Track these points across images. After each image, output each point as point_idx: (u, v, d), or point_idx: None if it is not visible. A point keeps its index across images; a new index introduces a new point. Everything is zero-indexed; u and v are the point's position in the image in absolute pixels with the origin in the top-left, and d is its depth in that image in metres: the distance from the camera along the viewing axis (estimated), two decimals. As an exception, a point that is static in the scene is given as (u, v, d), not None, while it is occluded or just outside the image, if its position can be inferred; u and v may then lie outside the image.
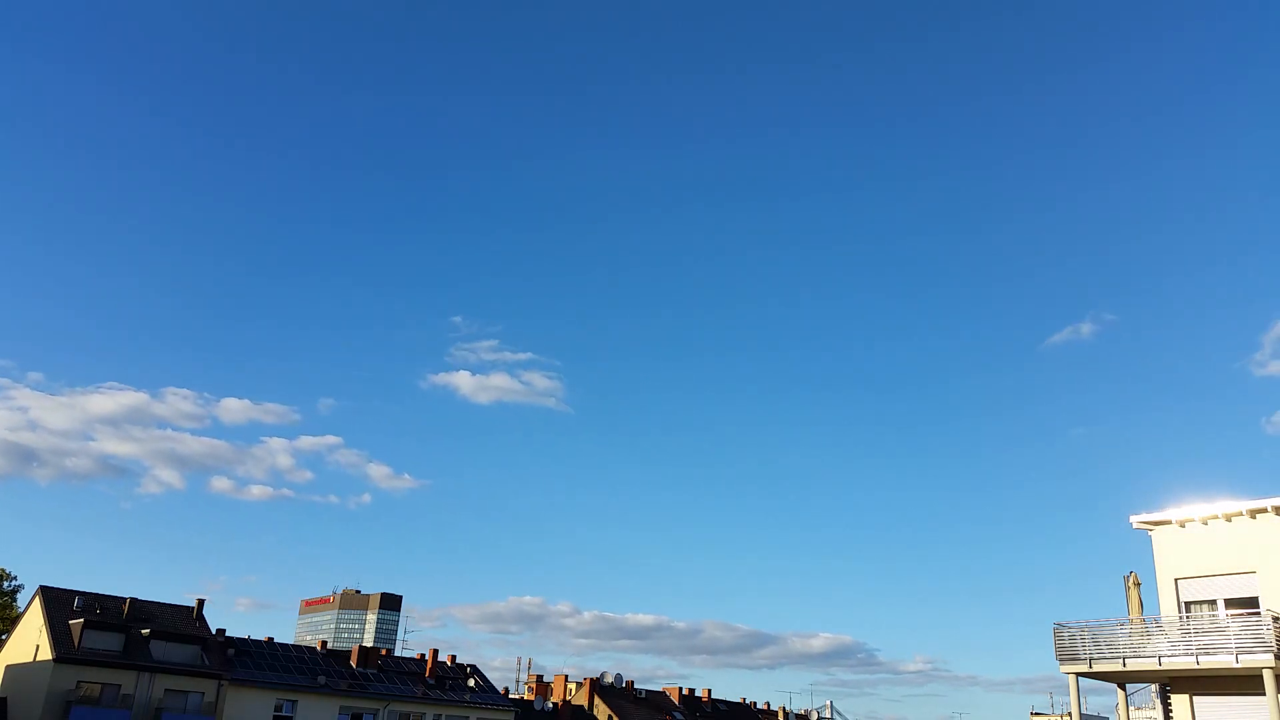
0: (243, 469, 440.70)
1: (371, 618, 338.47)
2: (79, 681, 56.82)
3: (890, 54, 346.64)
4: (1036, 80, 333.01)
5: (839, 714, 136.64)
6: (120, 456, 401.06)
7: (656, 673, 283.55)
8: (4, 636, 67.60)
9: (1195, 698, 29.17)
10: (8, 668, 62.00)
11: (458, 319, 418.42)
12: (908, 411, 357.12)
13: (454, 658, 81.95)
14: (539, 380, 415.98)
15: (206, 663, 62.77)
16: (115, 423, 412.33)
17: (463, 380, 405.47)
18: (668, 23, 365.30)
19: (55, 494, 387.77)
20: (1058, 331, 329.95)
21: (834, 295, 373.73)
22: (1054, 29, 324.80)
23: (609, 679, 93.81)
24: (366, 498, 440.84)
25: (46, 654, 57.21)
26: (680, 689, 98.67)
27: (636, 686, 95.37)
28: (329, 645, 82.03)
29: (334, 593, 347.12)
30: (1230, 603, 29.41)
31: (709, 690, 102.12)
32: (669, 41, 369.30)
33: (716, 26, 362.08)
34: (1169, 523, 31.30)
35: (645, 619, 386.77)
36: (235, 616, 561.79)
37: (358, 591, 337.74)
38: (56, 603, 60.99)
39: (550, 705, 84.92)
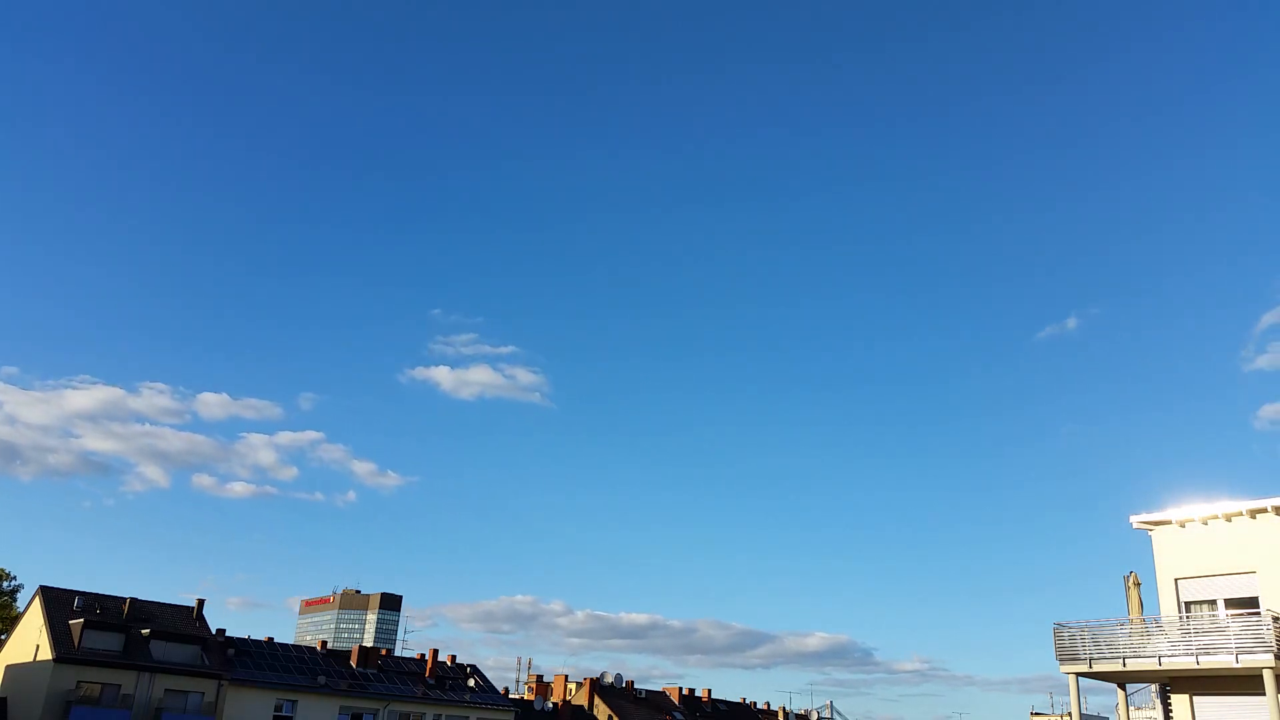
0: (227, 466, 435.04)
1: (371, 618, 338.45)
2: (79, 681, 56.81)
3: (890, 54, 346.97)
4: (1036, 80, 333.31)
5: (839, 714, 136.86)
6: (102, 453, 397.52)
7: (651, 672, 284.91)
8: (4, 636, 67.59)
9: (1195, 698, 29.17)
10: (8, 668, 62.00)
11: (437, 311, 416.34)
12: (907, 411, 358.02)
13: (454, 658, 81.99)
14: (523, 375, 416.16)
15: (206, 663, 62.77)
16: (95, 418, 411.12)
17: (446, 375, 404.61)
18: (665, 22, 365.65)
19: (38, 491, 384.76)
20: (1052, 326, 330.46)
21: (833, 295, 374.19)
22: (1053, 30, 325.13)
23: (609, 679, 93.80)
24: (352, 495, 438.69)
25: (46, 654, 57.21)
26: (680, 689, 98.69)
27: (636, 686, 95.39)
28: (329, 645, 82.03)
29: (334, 593, 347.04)
30: (1230, 603, 29.41)
31: (709, 690, 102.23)
32: (667, 41, 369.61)
33: (714, 27, 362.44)
34: (1169, 523, 31.30)
35: (639, 618, 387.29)
36: (227, 615, 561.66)
37: (358, 591, 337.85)
38: (56, 603, 60.99)
39: (550, 705, 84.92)
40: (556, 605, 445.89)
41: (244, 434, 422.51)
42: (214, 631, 67.14)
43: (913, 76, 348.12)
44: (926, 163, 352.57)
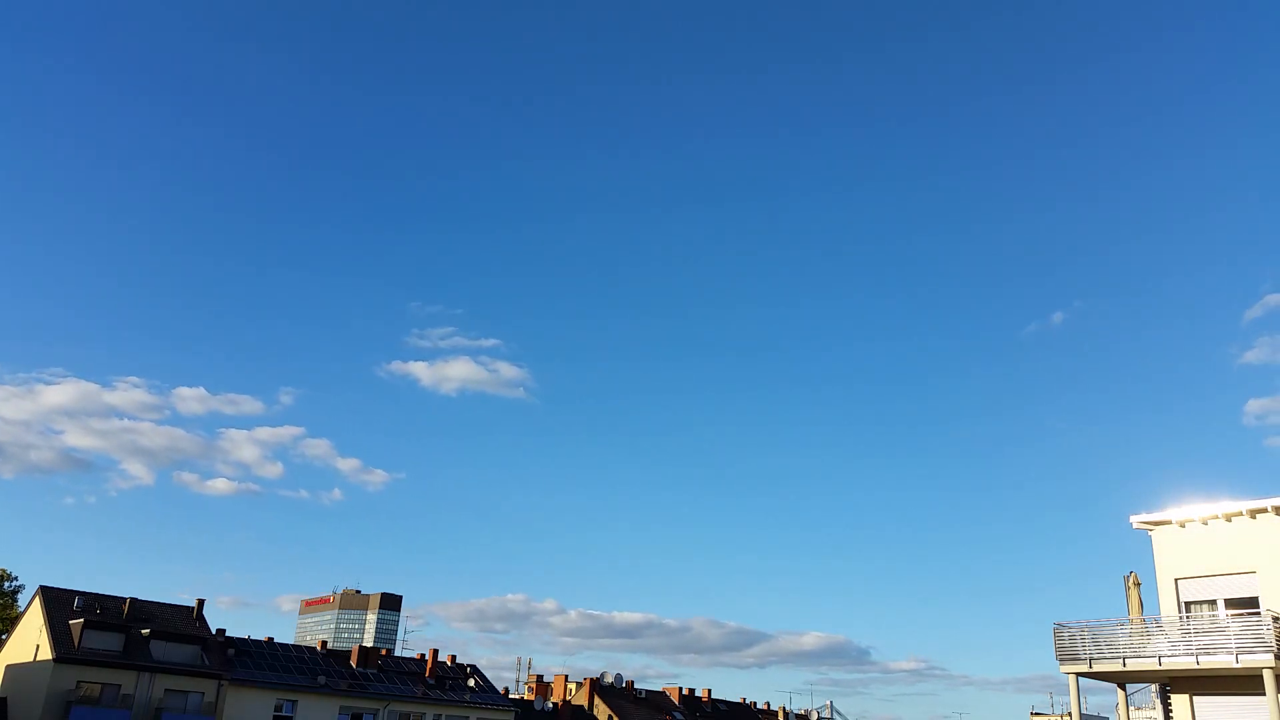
0: (211, 463, 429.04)
1: (371, 618, 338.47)
2: (79, 681, 56.80)
3: (889, 54, 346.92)
4: (1035, 81, 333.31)
5: (839, 714, 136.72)
6: (84, 449, 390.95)
7: (646, 671, 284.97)
8: (4, 636, 67.60)
9: (1195, 698, 29.16)
10: (8, 668, 62.00)
11: (416, 304, 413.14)
12: (907, 411, 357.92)
13: (454, 658, 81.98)
14: (506, 369, 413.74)
15: (206, 663, 62.76)
16: (73, 414, 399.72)
17: (426, 369, 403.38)
18: (664, 23, 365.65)
19: (20, 489, 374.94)
20: (1048, 323, 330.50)
21: (832, 295, 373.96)
22: (1053, 30, 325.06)
23: (609, 679, 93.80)
24: (337, 493, 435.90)
25: (46, 654, 57.21)
26: (680, 689, 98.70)
27: (636, 687, 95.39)
28: (329, 645, 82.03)
29: (334, 593, 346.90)
30: (1230, 603, 29.41)
31: (709, 690, 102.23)
32: (666, 42, 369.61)
33: (713, 27, 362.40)
34: (1169, 523, 31.29)
35: (633, 617, 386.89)
36: (216, 614, 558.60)
37: (358, 591, 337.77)
38: (56, 603, 60.98)
39: (550, 705, 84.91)
40: (549, 604, 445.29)
41: (225, 429, 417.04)
42: (214, 631, 67.14)
43: (912, 77, 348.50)
44: (926, 163, 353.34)
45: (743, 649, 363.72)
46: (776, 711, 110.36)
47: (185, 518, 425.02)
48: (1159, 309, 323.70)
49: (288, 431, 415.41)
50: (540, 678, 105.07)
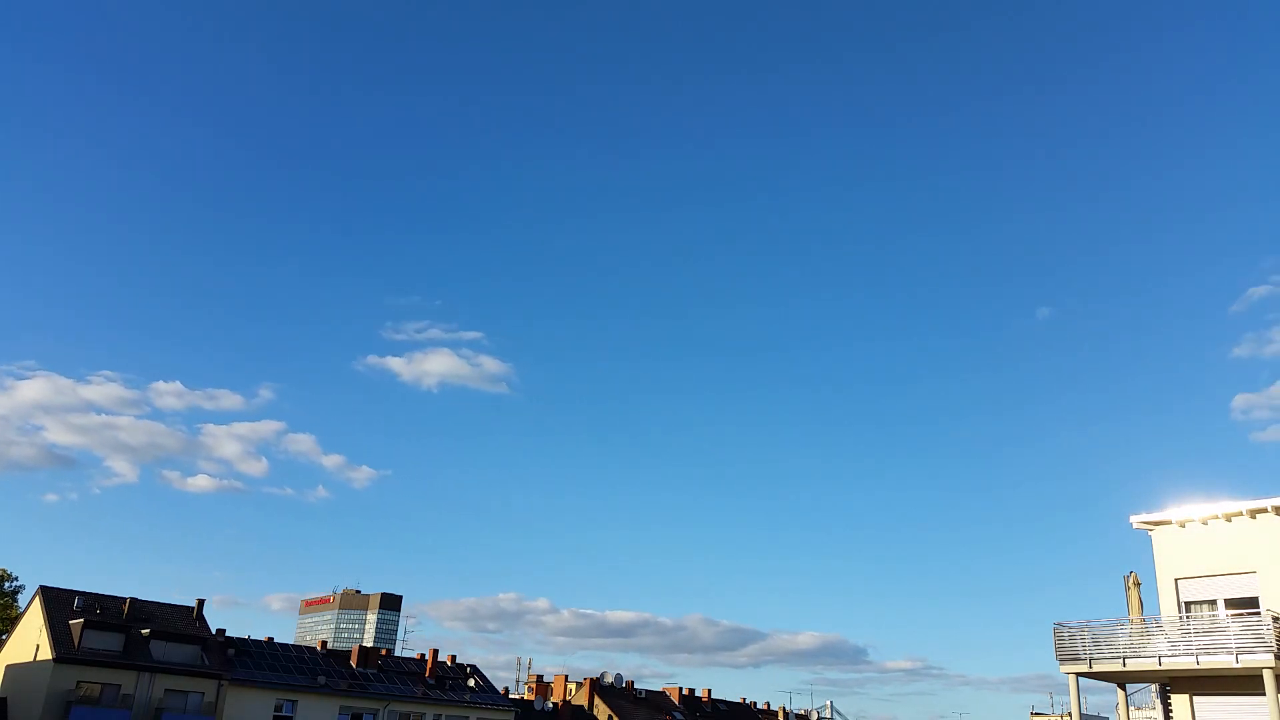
0: (193, 459, 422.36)
1: (371, 618, 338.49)
2: (79, 681, 56.80)
3: (889, 55, 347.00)
4: (1034, 81, 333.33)
5: (839, 714, 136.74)
6: (66, 446, 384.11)
7: (641, 670, 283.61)
8: (4, 636, 67.60)
9: (1195, 698, 29.17)
10: (8, 668, 62.00)
11: (395, 297, 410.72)
12: (906, 411, 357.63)
13: (454, 658, 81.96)
14: (489, 363, 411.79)
15: (206, 663, 62.76)
16: (51, 409, 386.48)
17: (410, 364, 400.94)
18: (662, 23, 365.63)
19: (0, 486, 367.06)
20: (1047, 324, 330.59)
21: (831, 295, 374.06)
22: (1052, 31, 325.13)
23: (609, 679, 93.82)
24: (322, 490, 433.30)
25: (46, 654, 57.20)
26: (680, 689, 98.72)
27: (636, 687, 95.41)
28: (329, 645, 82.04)
29: (334, 593, 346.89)
30: (1230, 603, 29.41)
31: (709, 690, 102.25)
32: (664, 42, 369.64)
33: (709, 27, 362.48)
34: (1169, 523, 31.29)
35: (627, 616, 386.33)
36: (207, 612, 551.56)
37: (358, 591, 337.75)
38: (56, 603, 60.98)
39: (550, 705, 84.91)
40: (541, 603, 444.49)
41: (205, 425, 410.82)
42: (214, 631, 67.14)
43: (912, 78, 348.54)
44: (926, 163, 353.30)
45: (737, 648, 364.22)
46: (776, 712, 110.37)
47: (170, 515, 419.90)
48: (1157, 308, 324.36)
49: (269, 426, 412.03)
50: (540, 677, 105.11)
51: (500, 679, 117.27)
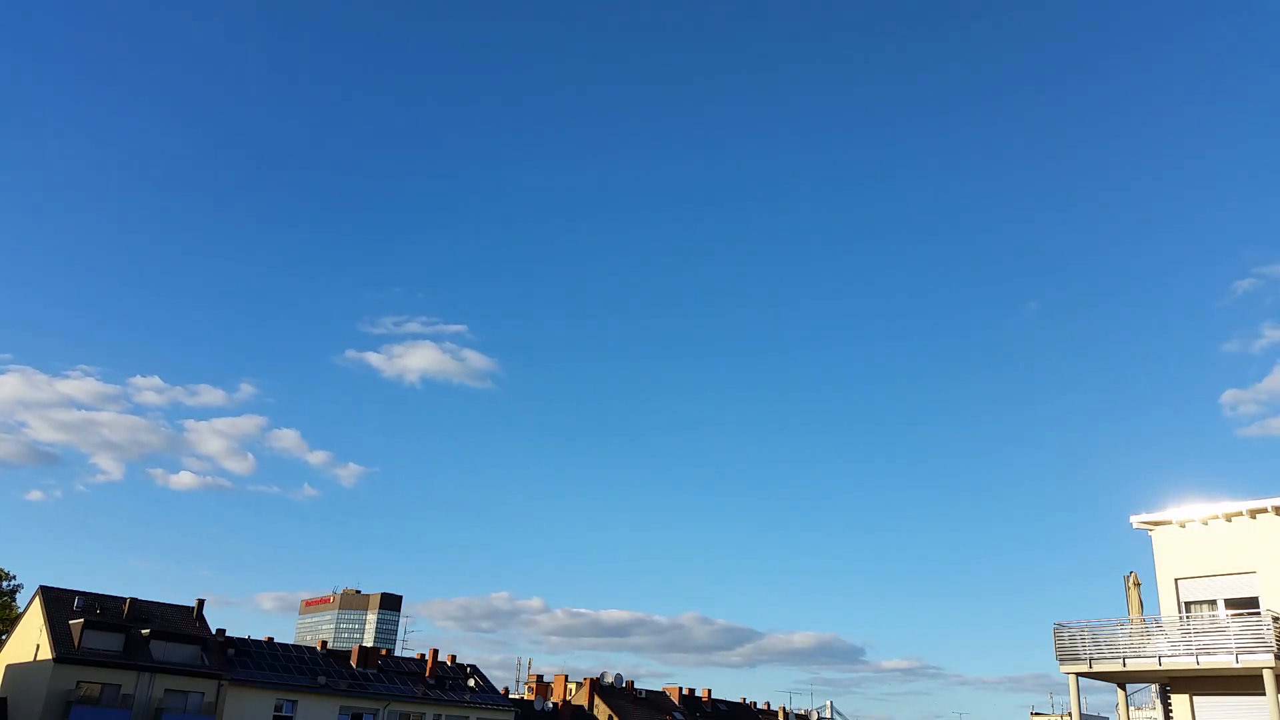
0: (177, 455, 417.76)
1: (371, 618, 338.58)
2: (79, 681, 56.79)
3: (888, 55, 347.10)
4: (1033, 82, 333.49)
5: (839, 714, 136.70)
6: (50, 442, 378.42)
7: (637, 670, 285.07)
8: (4, 636, 67.59)
9: (1195, 698, 29.17)
10: (8, 668, 62.00)
11: (382, 293, 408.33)
12: (907, 411, 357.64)
13: (454, 658, 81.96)
14: (474, 358, 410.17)
15: (206, 663, 62.76)
16: (29, 405, 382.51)
17: (398, 359, 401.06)
18: (661, 23, 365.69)
19: None
20: (1051, 327, 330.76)
21: (831, 295, 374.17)
22: (1052, 31, 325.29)
23: (609, 679, 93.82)
24: (308, 488, 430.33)
25: (46, 654, 57.21)
26: (680, 689, 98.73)
27: (636, 687, 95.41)
28: (329, 645, 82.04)
29: (334, 593, 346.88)
30: (1230, 603, 29.40)
31: (709, 690, 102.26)
32: (663, 43, 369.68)
33: (708, 28, 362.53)
34: (1169, 523, 31.29)
35: (621, 615, 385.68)
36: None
37: (358, 591, 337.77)
38: (57, 603, 60.98)
39: (550, 705, 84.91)
40: (535, 602, 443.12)
41: (187, 420, 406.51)
42: (214, 631, 67.14)
43: (911, 78, 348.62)
44: (926, 163, 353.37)
45: (733, 647, 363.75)
46: (776, 712, 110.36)
47: (157, 513, 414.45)
48: (1156, 307, 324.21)
49: (252, 422, 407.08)
50: (540, 677, 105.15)
51: (496, 679, 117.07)
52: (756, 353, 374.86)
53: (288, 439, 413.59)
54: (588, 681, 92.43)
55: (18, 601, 77.96)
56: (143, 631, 61.41)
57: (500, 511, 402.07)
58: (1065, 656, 30.32)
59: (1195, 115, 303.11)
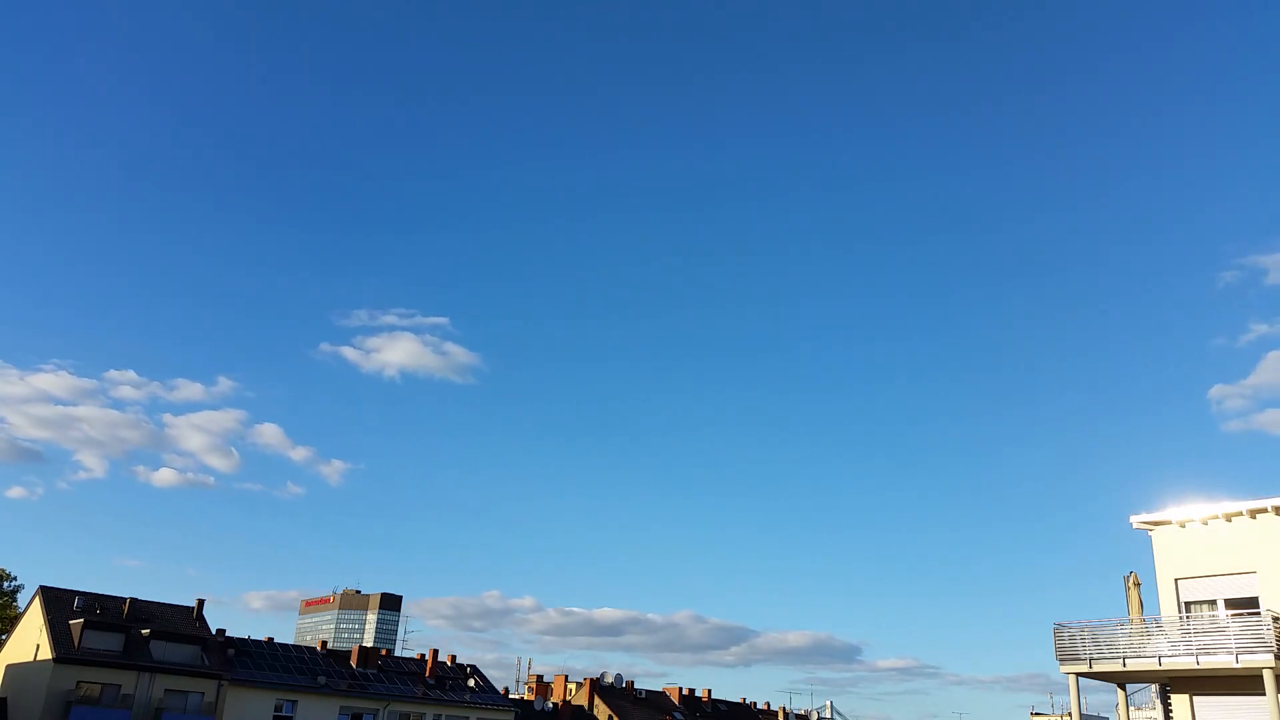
0: (160, 453, 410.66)
1: (371, 618, 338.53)
2: (79, 681, 56.81)
3: (889, 56, 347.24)
4: (1033, 82, 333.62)
5: (839, 714, 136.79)
6: (32, 439, 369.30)
7: (632, 669, 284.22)
8: (4, 636, 67.62)
9: (1195, 698, 29.18)
10: (8, 668, 62.01)
11: (366, 287, 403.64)
12: (908, 411, 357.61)
13: (454, 658, 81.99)
14: (457, 352, 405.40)
15: (206, 663, 62.77)
16: (7, 400, 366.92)
17: (378, 352, 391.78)
18: (660, 23, 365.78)
19: None
20: (1051, 327, 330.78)
21: (831, 295, 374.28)
22: (1052, 32, 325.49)
23: (609, 679, 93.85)
24: (292, 486, 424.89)
25: (46, 654, 57.22)
26: (680, 689, 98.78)
27: (636, 687, 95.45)
28: (329, 645, 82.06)
29: (334, 593, 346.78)
30: (1230, 603, 29.41)
31: (709, 690, 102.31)
32: (662, 43, 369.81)
33: (708, 28, 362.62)
34: (1169, 523, 31.30)
35: (614, 614, 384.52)
36: None
37: (358, 592, 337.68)
38: (57, 603, 61.00)
39: (550, 705, 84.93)
40: (527, 601, 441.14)
41: (166, 415, 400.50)
42: (214, 631, 67.16)
43: (911, 79, 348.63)
44: (926, 163, 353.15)
45: (727, 646, 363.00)
46: (776, 712, 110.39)
47: (141, 511, 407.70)
48: (1154, 306, 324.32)
49: (231, 416, 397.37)
50: (540, 677, 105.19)
51: (493, 679, 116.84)
52: (756, 353, 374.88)
53: (269, 434, 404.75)
54: (588, 681, 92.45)
55: (18, 602, 78.09)
56: (143, 631, 61.42)
57: (492, 510, 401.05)
58: (1065, 656, 30.33)
59: (1195, 115, 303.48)
